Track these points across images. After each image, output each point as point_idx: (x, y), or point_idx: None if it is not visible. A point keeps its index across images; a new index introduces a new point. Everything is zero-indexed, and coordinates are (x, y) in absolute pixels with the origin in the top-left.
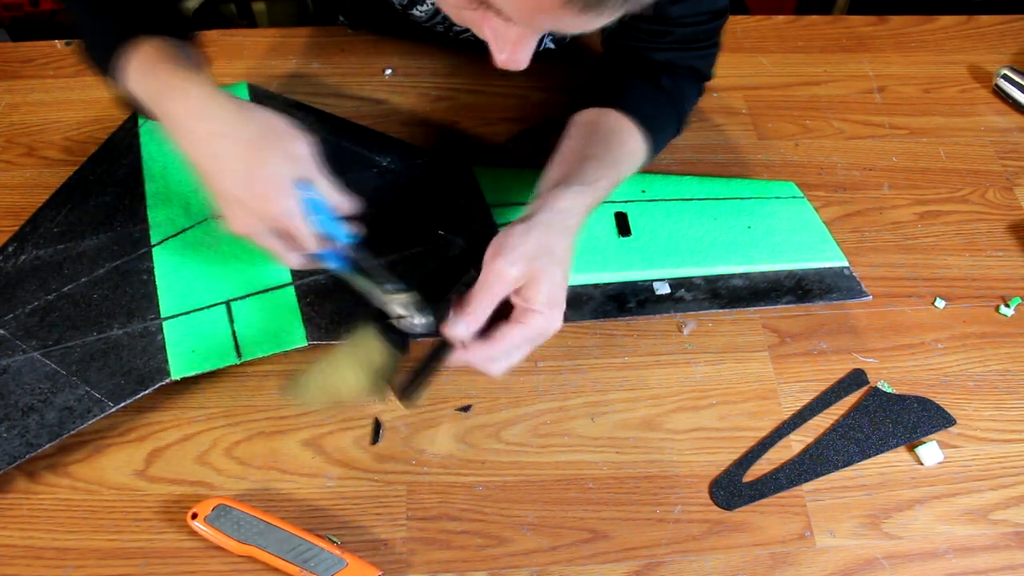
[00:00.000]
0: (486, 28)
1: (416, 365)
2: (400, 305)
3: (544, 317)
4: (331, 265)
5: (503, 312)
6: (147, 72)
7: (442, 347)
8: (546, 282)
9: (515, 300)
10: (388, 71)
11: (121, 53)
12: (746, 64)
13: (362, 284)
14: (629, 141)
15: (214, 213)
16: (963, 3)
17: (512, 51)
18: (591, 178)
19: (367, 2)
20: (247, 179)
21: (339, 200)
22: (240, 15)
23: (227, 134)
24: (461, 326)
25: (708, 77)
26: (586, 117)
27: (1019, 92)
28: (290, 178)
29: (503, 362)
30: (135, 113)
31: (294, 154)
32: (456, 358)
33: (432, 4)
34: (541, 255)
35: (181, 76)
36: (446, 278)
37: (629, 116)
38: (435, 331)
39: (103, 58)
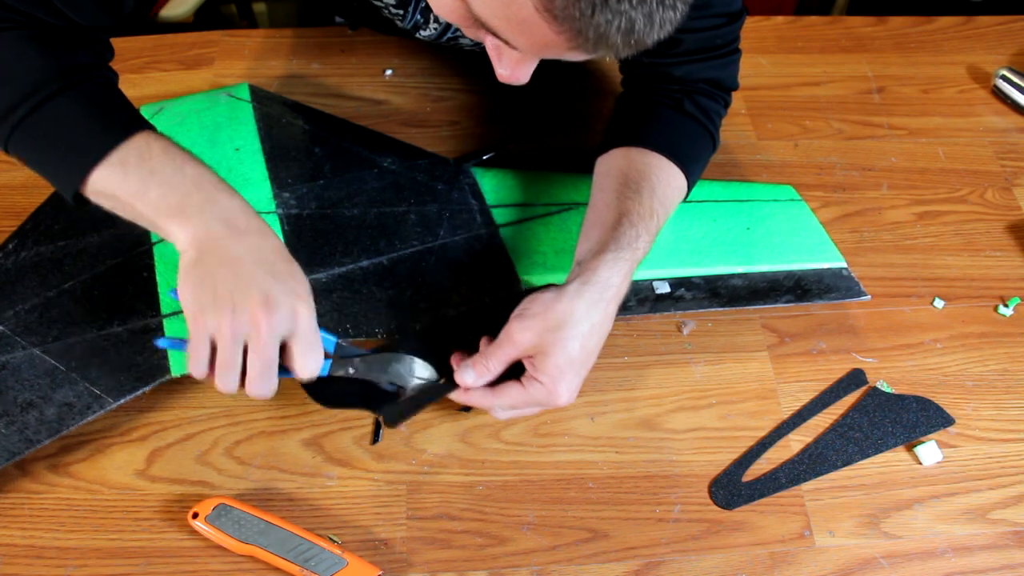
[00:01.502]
0: (488, 43)
1: (414, 393)
2: (405, 372)
3: (544, 389)
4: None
5: (519, 369)
6: (159, 170)
7: (447, 384)
8: (558, 355)
9: (526, 363)
10: (388, 71)
11: (111, 151)
12: (745, 64)
13: (364, 371)
14: (663, 183)
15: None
16: (962, 3)
17: (514, 68)
18: (627, 240)
19: (367, 17)
20: (286, 277)
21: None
22: (240, 15)
23: (263, 245)
24: (470, 375)
25: (733, 87)
26: (615, 162)
27: (1018, 93)
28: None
29: (503, 413)
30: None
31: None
32: (457, 396)
33: (435, 29)
34: (560, 327)
35: (210, 182)
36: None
37: (659, 152)
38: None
39: (82, 164)
